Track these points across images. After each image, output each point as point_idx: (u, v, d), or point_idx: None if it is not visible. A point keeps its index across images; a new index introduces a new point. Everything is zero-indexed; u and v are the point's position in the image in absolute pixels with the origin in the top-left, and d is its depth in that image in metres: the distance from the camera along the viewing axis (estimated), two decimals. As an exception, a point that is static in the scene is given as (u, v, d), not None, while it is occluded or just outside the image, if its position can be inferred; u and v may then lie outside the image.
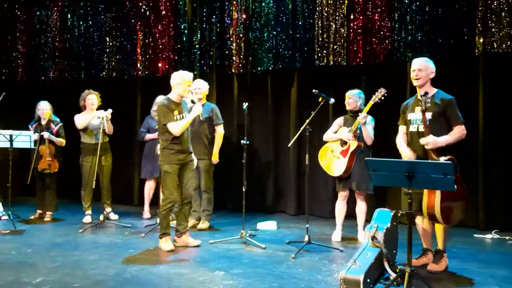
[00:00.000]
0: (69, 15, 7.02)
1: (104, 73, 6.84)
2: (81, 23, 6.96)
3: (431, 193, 3.05)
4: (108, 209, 5.53)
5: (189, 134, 4.27)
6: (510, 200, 4.90)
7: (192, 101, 4.31)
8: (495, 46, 4.88)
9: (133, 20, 6.64)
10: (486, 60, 4.98)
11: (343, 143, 4.37)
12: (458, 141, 3.23)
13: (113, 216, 5.54)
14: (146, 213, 5.70)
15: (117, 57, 6.79)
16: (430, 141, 3.10)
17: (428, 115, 3.22)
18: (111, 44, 6.81)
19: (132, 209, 6.29)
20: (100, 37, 6.86)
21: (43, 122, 5.47)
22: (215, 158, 4.95)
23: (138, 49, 6.63)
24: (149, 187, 5.72)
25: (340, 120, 4.54)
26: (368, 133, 4.29)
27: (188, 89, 4.11)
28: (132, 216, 5.74)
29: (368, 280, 2.89)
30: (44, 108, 5.48)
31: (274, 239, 4.53)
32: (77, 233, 4.71)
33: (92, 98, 5.33)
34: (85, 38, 6.92)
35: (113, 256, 3.80)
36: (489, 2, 4.90)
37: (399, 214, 3.28)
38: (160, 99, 5.49)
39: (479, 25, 4.95)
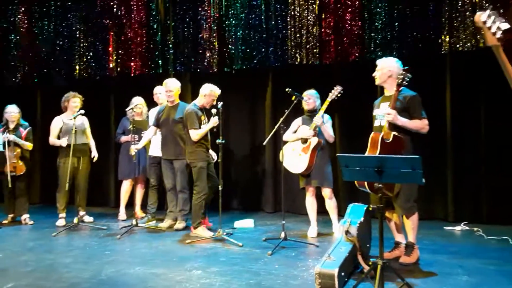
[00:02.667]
0: (36, 15, 6.83)
1: (75, 73, 6.71)
2: (48, 23, 6.79)
3: None
4: (82, 212, 5.44)
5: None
6: (477, 193, 5.10)
7: (212, 112, 4.52)
8: (461, 45, 5.07)
9: (104, 20, 6.54)
10: (452, 59, 5.17)
11: (304, 140, 4.48)
12: (417, 131, 3.39)
13: (88, 219, 5.45)
14: (122, 214, 5.63)
15: (89, 57, 6.67)
16: (392, 113, 3.26)
17: (389, 109, 3.34)
18: (81, 44, 6.68)
19: (108, 211, 6.21)
20: (70, 37, 6.71)
21: (11, 126, 5.34)
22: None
23: (110, 49, 6.54)
24: (125, 188, 5.66)
25: (298, 120, 4.66)
26: (328, 132, 4.44)
27: (212, 102, 4.65)
28: (107, 218, 5.67)
29: (343, 273, 2.96)
30: (11, 112, 5.35)
31: (251, 236, 4.56)
32: (50, 236, 4.61)
33: (76, 101, 5.32)
34: (55, 39, 6.76)
35: (88, 258, 3.75)
36: (454, 2, 5.08)
37: (370, 209, 3.37)
38: (138, 100, 5.46)
39: (445, 24, 5.12)
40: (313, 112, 4.54)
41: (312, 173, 4.45)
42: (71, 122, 5.16)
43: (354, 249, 3.22)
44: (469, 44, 5.03)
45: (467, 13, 5.03)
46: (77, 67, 6.70)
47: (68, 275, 3.30)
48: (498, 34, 2.02)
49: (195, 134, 4.53)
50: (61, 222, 5.19)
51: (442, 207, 5.28)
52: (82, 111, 5.15)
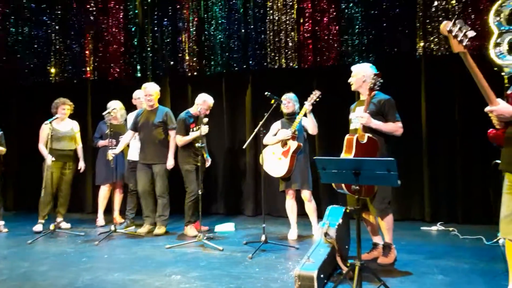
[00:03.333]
0: (12, 17, 6.68)
1: (51, 77, 6.58)
2: (22, 25, 6.65)
3: None
4: (60, 219, 5.34)
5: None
6: (453, 193, 5.24)
7: (203, 121, 4.61)
8: (435, 49, 5.21)
9: (81, 23, 6.44)
10: (427, 63, 5.30)
11: (284, 144, 4.52)
12: (391, 134, 3.46)
13: (65, 225, 5.35)
14: (100, 220, 5.54)
15: (66, 60, 6.56)
16: (365, 116, 3.33)
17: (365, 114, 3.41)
18: (58, 47, 6.56)
19: (85, 216, 6.10)
20: (46, 40, 6.59)
21: None
22: (170, 163, 4.92)
23: (87, 52, 6.44)
24: (103, 193, 5.57)
25: (277, 124, 4.70)
26: (313, 121, 4.46)
27: (206, 111, 4.78)
28: (85, 224, 5.57)
29: (322, 275, 2.99)
30: None
31: (231, 240, 4.56)
32: (26, 244, 4.49)
33: (66, 108, 5.29)
34: (30, 41, 6.62)
35: (64, 265, 3.67)
36: (427, 8, 5.22)
37: (348, 210, 3.42)
38: (115, 103, 5.40)
39: (419, 29, 5.26)
40: (292, 116, 4.59)
41: (291, 176, 4.49)
42: (61, 128, 5.18)
43: (333, 250, 3.26)
44: (442, 48, 5.17)
45: (440, 18, 5.17)
46: (53, 70, 6.58)
47: (44, 283, 3.22)
48: (465, 42, 2.10)
49: (179, 140, 4.78)
50: (38, 227, 5.09)
51: (419, 208, 5.41)
52: (58, 115, 5.11)
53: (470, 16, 5.03)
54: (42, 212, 5.16)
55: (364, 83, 3.53)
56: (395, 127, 3.45)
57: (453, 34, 2.09)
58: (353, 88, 3.66)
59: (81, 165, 5.50)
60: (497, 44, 4.40)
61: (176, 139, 4.81)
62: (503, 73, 4.34)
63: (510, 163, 2.30)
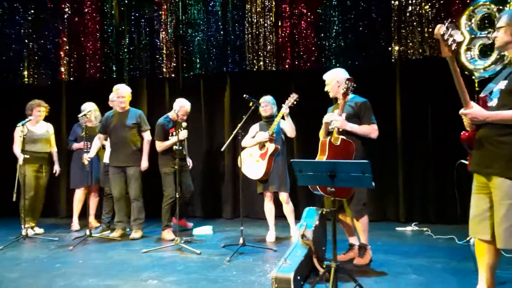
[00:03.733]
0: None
1: (25, 79, 6.40)
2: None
3: None
4: (33, 223, 5.20)
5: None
6: (427, 194, 5.37)
7: (182, 125, 4.59)
8: (409, 53, 5.33)
9: (55, 23, 6.30)
10: (402, 67, 5.42)
11: (262, 146, 4.54)
12: (367, 136, 3.50)
13: (38, 230, 5.21)
14: (75, 225, 5.43)
15: (39, 61, 6.39)
16: (339, 119, 3.38)
17: (343, 116, 3.47)
18: (31, 48, 6.40)
19: (59, 221, 5.95)
20: (18, 40, 6.41)
21: None
22: (144, 165, 4.88)
23: (61, 53, 6.30)
24: (78, 197, 5.47)
25: (256, 126, 4.72)
26: (291, 124, 4.51)
27: (183, 117, 4.79)
28: (59, 229, 5.43)
29: (299, 277, 3.00)
30: None
31: (209, 244, 4.54)
32: (-5, 251, 4.36)
33: (41, 110, 5.19)
34: (2, 41, 6.42)
35: (37, 272, 3.58)
36: (402, 13, 5.34)
37: (323, 212, 3.45)
38: (89, 105, 5.29)
39: (394, 34, 5.37)
40: (270, 118, 4.61)
41: (269, 178, 4.50)
42: (36, 130, 5.10)
43: (310, 252, 3.28)
44: (416, 52, 5.30)
45: (415, 23, 5.30)
46: (26, 72, 6.41)
47: (15, 290, 3.14)
48: (454, 47, 2.14)
49: (158, 146, 4.83)
50: (34, 231, 5.04)
51: (395, 209, 5.51)
52: (32, 117, 5.00)
53: (442, 22, 5.15)
54: (26, 216, 4.97)
55: (339, 88, 3.57)
56: (370, 130, 3.51)
57: (445, 38, 2.13)
58: (331, 95, 3.71)
59: (56, 168, 5.39)
60: (468, 49, 4.53)
61: (156, 145, 4.82)
62: (473, 77, 4.47)
63: (479, 164, 2.37)
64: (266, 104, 4.60)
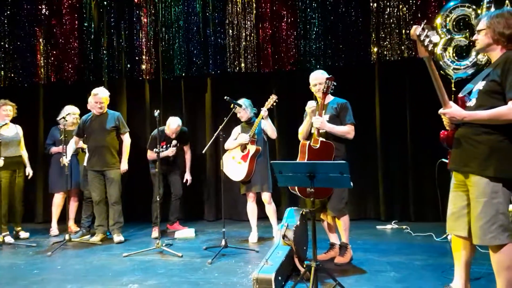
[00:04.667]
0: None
1: (0, 82, 6.26)
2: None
3: None
4: (18, 228, 5.14)
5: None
6: (406, 193, 5.46)
7: (172, 143, 5.02)
8: (388, 55, 5.42)
9: (32, 24, 6.18)
10: (380, 68, 5.50)
11: (243, 148, 4.56)
12: (344, 136, 3.54)
13: (24, 234, 5.13)
14: (54, 230, 5.33)
15: (16, 63, 6.25)
16: (321, 119, 3.42)
17: (326, 117, 3.52)
18: (6, 49, 6.25)
19: (36, 226, 5.81)
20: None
21: None
22: (124, 167, 4.85)
23: (38, 55, 6.18)
24: (58, 202, 5.38)
25: (238, 128, 4.74)
26: (271, 125, 4.56)
27: (171, 135, 5.11)
28: (37, 234, 5.31)
29: (280, 277, 3.02)
30: None
31: (191, 246, 4.51)
32: (-29, 258, 4.24)
33: (7, 109, 4.98)
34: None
35: (13, 279, 3.49)
36: (380, 15, 5.43)
37: (304, 212, 3.48)
38: (70, 108, 5.20)
39: (373, 35, 5.45)
40: (249, 121, 4.63)
41: (252, 179, 4.51)
42: (7, 133, 4.94)
43: (291, 252, 3.30)
44: (394, 53, 5.39)
45: (393, 25, 5.39)
46: (2, 73, 6.26)
47: (-10, 298, 3.06)
48: (430, 47, 2.19)
49: (148, 155, 5.14)
50: (9, 239, 4.84)
51: (375, 207, 5.59)
52: (6, 121, 4.86)
53: (419, 23, 5.26)
54: (13, 222, 4.93)
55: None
56: (346, 130, 3.55)
57: (421, 39, 2.16)
58: (320, 94, 3.60)
59: (29, 171, 5.24)
60: (444, 49, 4.63)
61: (148, 153, 5.09)
62: (449, 77, 4.57)
63: (457, 162, 2.43)
64: (239, 111, 4.58)
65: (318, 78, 3.64)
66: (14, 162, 5.01)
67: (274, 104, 4.44)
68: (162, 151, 4.88)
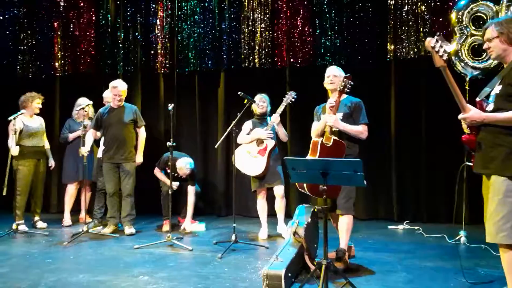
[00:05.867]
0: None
1: (18, 71, 6.35)
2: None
3: None
4: (37, 218, 5.22)
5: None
6: (419, 193, 5.39)
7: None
8: (404, 52, 5.34)
9: (50, 17, 6.25)
10: (397, 65, 5.42)
11: (260, 142, 4.53)
12: (357, 136, 3.50)
13: (41, 224, 5.20)
14: (67, 220, 5.39)
15: (33, 56, 6.34)
16: (334, 118, 3.38)
17: (339, 115, 3.47)
18: (25, 41, 6.34)
19: (50, 216, 5.89)
20: (12, 33, 6.35)
21: None
22: (140, 159, 4.89)
23: (56, 47, 6.26)
24: (71, 192, 5.44)
25: (249, 123, 4.72)
26: (283, 131, 4.61)
27: (181, 174, 5.01)
28: (50, 224, 5.37)
29: (289, 274, 3.02)
30: None
31: (202, 240, 4.54)
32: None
33: (39, 103, 5.15)
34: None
35: (27, 267, 3.56)
36: (398, 12, 5.35)
37: (315, 210, 3.46)
38: (86, 100, 5.24)
39: (390, 33, 5.37)
40: (263, 116, 4.61)
41: (266, 175, 4.50)
42: (32, 124, 5.05)
43: (302, 249, 3.29)
44: (411, 52, 5.30)
45: (410, 22, 5.31)
46: (19, 66, 6.35)
47: (3, 285, 3.11)
48: (445, 57, 2.25)
49: (155, 172, 5.24)
50: (24, 227, 4.90)
51: (387, 207, 5.53)
52: (23, 111, 4.95)
53: (438, 20, 5.18)
54: (20, 211, 4.94)
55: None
56: (359, 129, 3.50)
57: (436, 49, 2.23)
58: (331, 87, 3.59)
59: (52, 162, 5.35)
60: (460, 47, 4.54)
61: (155, 170, 5.16)
62: (463, 75, 4.48)
63: (480, 165, 2.43)
64: (264, 100, 4.63)
65: (333, 71, 3.62)
66: (38, 151, 5.11)
67: (293, 100, 4.46)
68: (173, 175, 4.75)
